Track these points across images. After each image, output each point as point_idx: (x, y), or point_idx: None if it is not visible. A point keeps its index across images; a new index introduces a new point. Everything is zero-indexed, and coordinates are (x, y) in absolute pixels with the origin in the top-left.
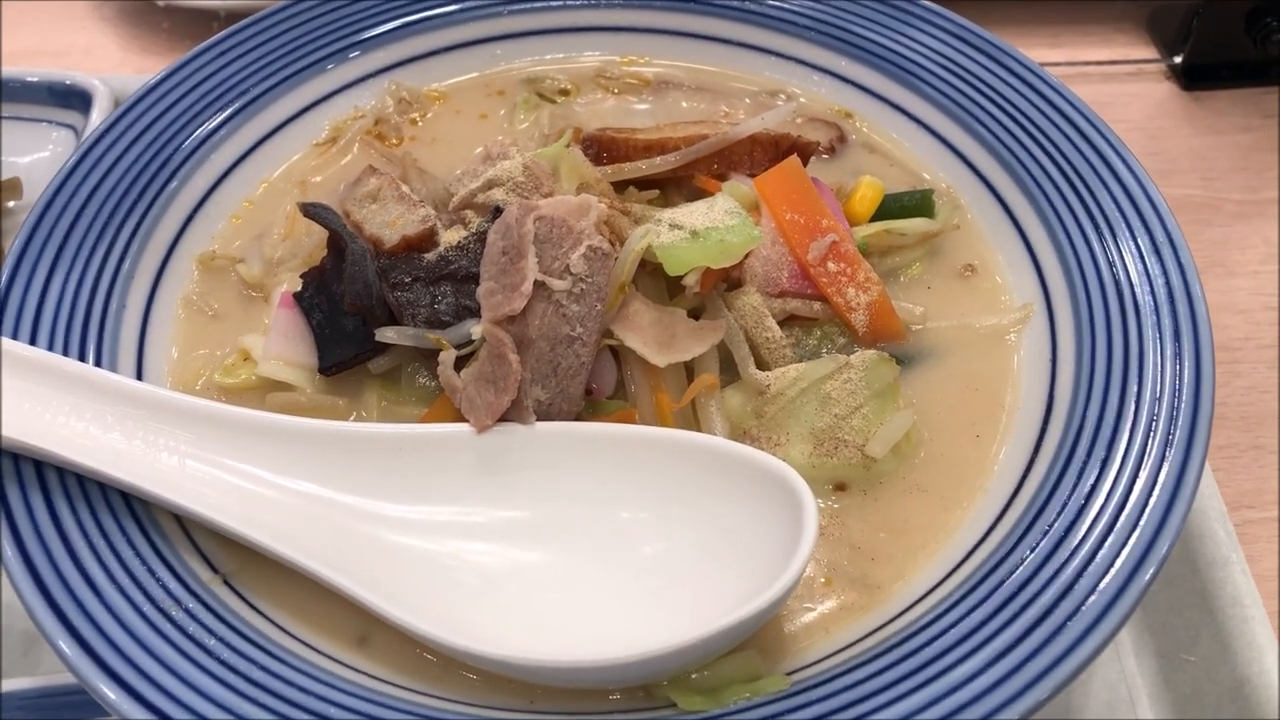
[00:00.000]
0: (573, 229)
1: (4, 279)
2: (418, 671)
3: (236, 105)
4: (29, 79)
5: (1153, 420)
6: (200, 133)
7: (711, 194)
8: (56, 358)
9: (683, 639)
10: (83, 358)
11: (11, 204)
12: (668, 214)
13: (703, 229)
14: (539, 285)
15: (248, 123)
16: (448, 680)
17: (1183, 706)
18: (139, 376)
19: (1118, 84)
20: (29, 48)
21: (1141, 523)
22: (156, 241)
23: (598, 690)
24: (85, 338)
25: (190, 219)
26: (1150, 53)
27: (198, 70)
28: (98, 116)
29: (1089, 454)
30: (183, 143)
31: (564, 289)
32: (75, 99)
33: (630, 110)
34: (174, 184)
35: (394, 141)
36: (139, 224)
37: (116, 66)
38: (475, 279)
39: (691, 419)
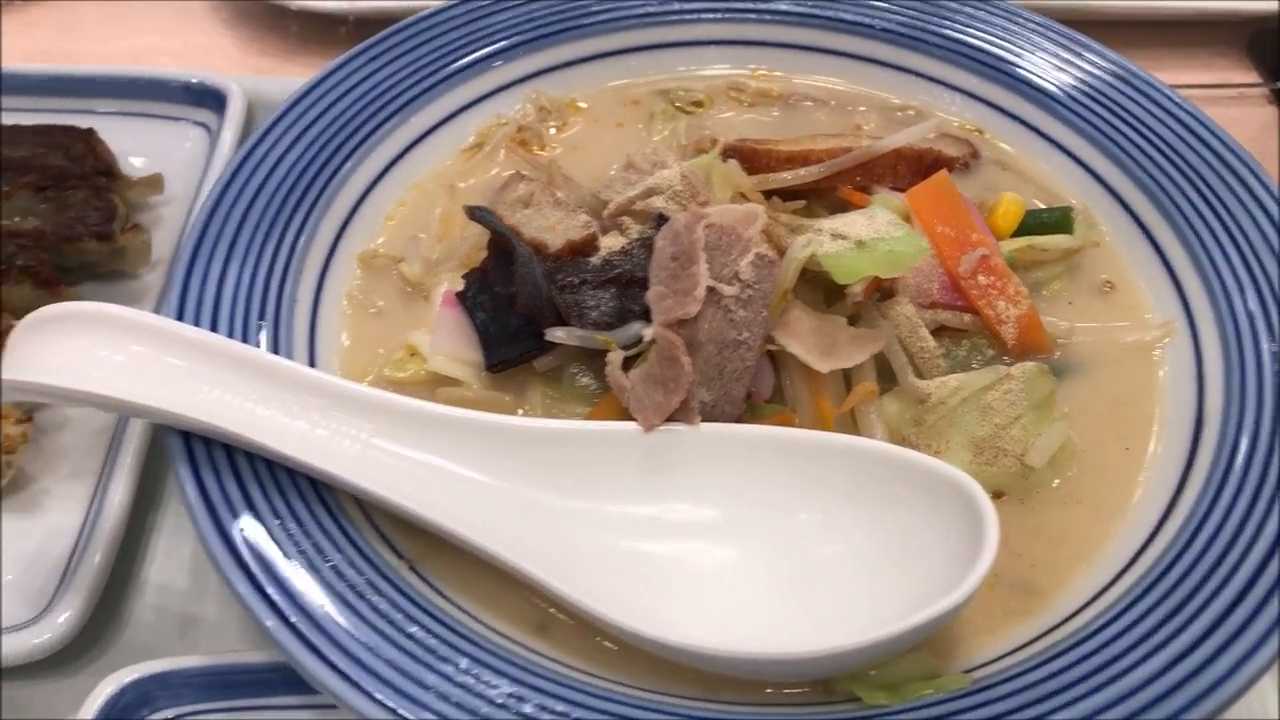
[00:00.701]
0: (741, 236)
1: (182, 268)
2: (597, 659)
3: (389, 110)
4: (165, 78)
5: None
6: (357, 136)
7: (855, 206)
8: (243, 346)
9: (873, 636)
10: (259, 347)
11: (152, 199)
12: (826, 223)
13: (869, 239)
14: (709, 290)
15: (399, 127)
16: (627, 667)
17: None
18: (312, 368)
19: (1219, 108)
20: (150, 46)
21: None
22: (320, 239)
23: (780, 683)
24: (261, 329)
25: (349, 218)
26: (1251, 76)
27: (350, 75)
28: (233, 116)
29: (1247, 467)
30: (341, 144)
31: (733, 294)
32: (209, 98)
33: (761, 123)
34: (334, 184)
35: (536, 148)
36: (304, 221)
37: (236, 67)
38: (638, 283)
39: (849, 425)
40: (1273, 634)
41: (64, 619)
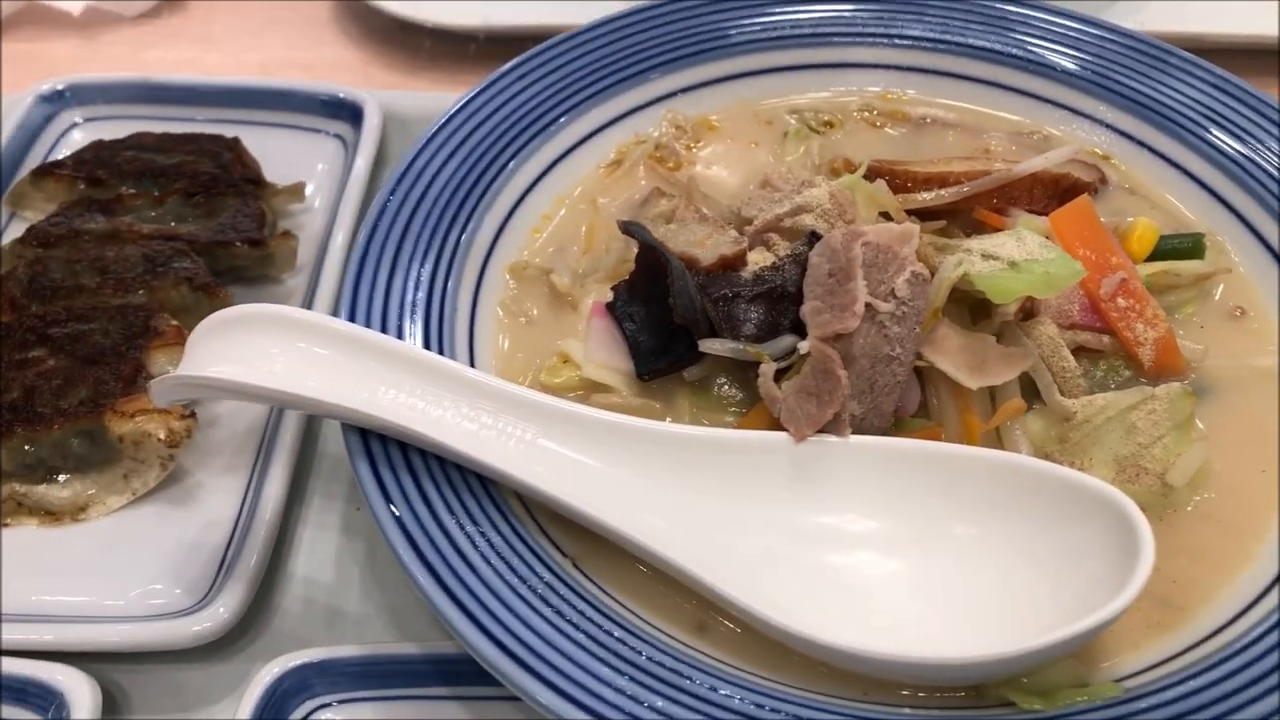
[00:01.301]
0: (897, 254)
1: (351, 274)
2: (754, 659)
3: (536, 127)
4: (304, 91)
5: None
6: (508, 152)
7: (994, 228)
8: (417, 349)
9: (1032, 644)
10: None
11: (294, 208)
12: (975, 244)
13: (1022, 261)
14: (866, 306)
15: (546, 144)
16: (785, 668)
17: None
18: None
19: None
20: (279, 59)
21: None
22: (475, 251)
23: (935, 687)
24: (428, 335)
25: (501, 230)
26: None
27: (500, 93)
28: (369, 130)
29: None
30: (494, 160)
31: (888, 311)
32: (345, 111)
33: (891, 143)
34: (488, 198)
35: (672, 166)
36: (461, 233)
37: (363, 81)
38: (790, 298)
39: (994, 441)
40: None
41: (225, 608)
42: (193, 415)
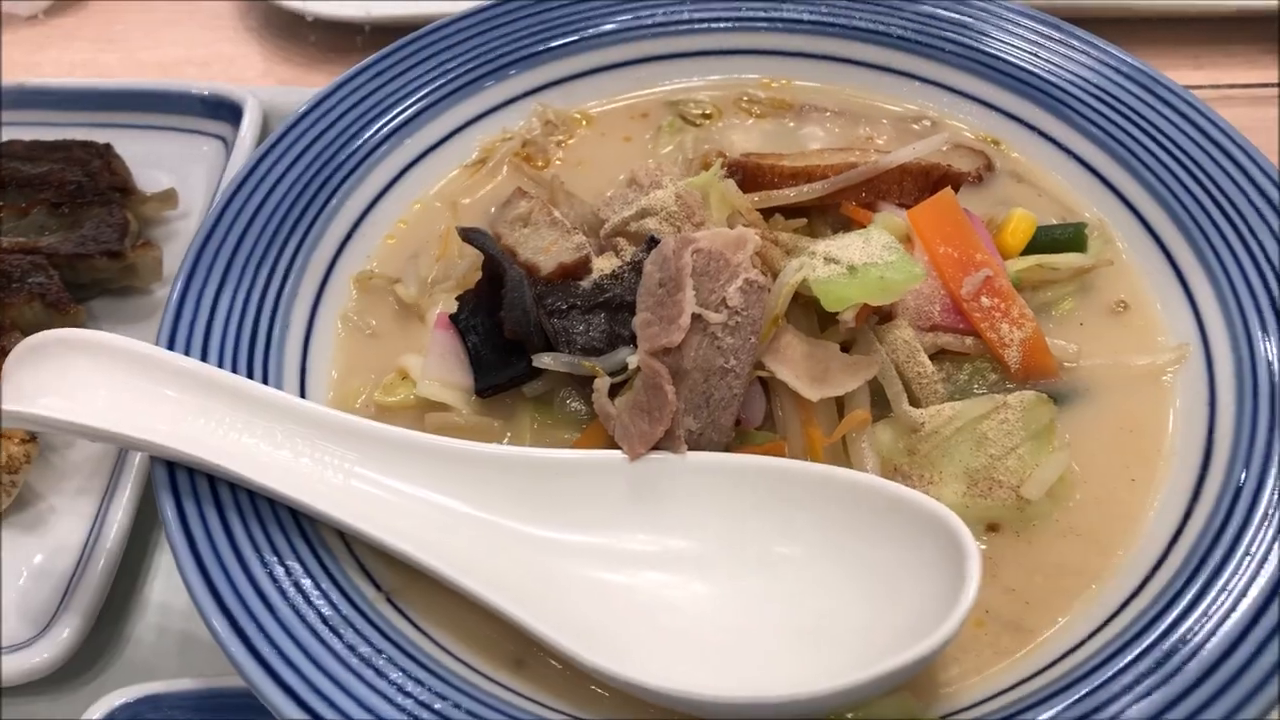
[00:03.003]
0: (730, 262)
1: (176, 296)
2: (572, 696)
3: (392, 126)
4: (183, 91)
5: None
6: (358, 154)
7: (860, 223)
8: (229, 375)
9: (849, 680)
10: (250, 375)
11: (168, 214)
12: (821, 246)
13: (860, 264)
14: (695, 318)
15: (402, 144)
16: (603, 706)
17: None
18: (302, 393)
19: (1263, 108)
20: (177, 58)
21: None
22: (317, 260)
23: None
24: (253, 355)
25: (348, 238)
26: None
27: (354, 91)
28: (248, 129)
29: (1253, 501)
30: (341, 163)
31: (720, 321)
32: (225, 111)
33: (772, 134)
34: (333, 203)
35: (541, 164)
36: (301, 243)
37: (260, 77)
38: (629, 308)
39: (841, 454)
40: (1272, 679)
41: (63, 637)
42: (34, 439)
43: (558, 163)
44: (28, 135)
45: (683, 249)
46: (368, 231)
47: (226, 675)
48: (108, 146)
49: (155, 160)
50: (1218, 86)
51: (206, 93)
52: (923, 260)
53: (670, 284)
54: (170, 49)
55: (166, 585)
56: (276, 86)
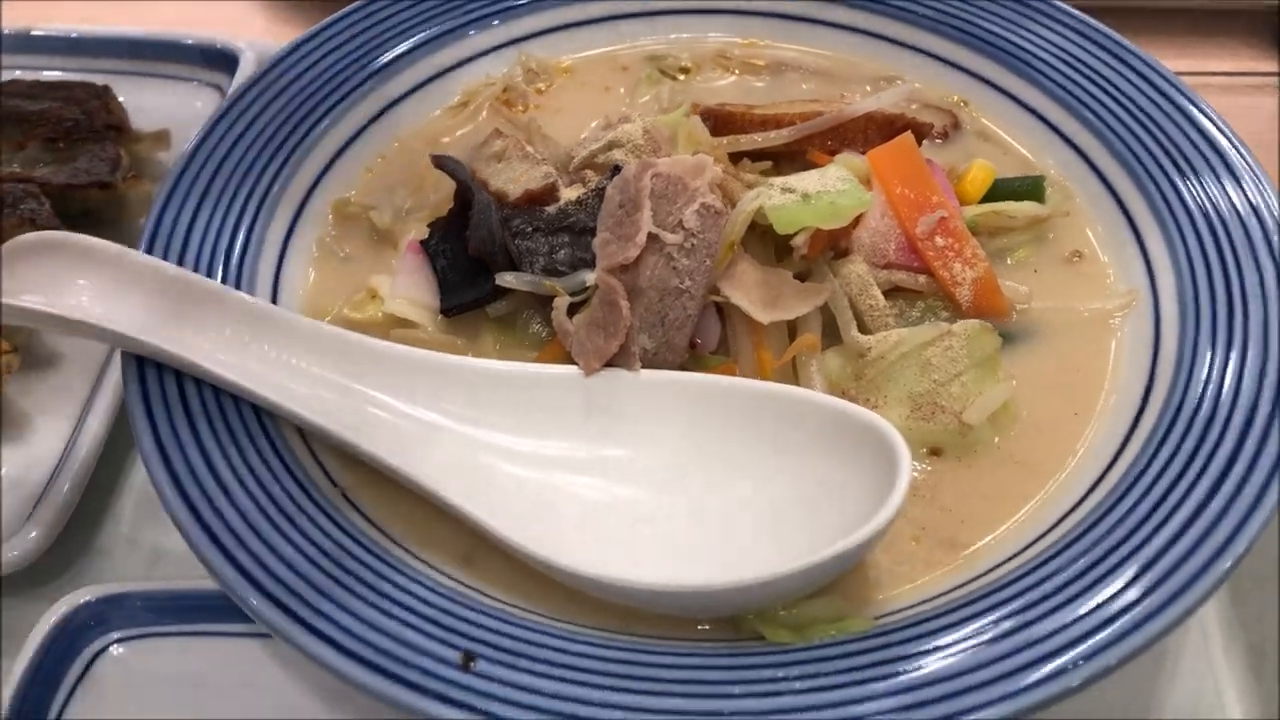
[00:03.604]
0: (688, 186)
1: (155, 210)
2: (519, 590)
3: (375, 65)
4: (180, 40)
5: (1254, 405)
6: (341, 90)
7: None
8: (200, 278)
9: (771, 571)
10: (224, 283)
11: (160, 155)
12: (780, 180)
13: (814, 193)
14: (652, 238)
15: (386, 83)
16: (547, 600)
17: (1272, 705)
18: (274, 304)
19: (1242, 96)
20: (178, 15)
21: (1241, 497)
22: (295, 187)
23: (688, 619)
24: (228, 267)
25: (327, 169)
26: (1275, 66)
27: (341, 32)
28: (242, 77)
29: (1187, 428)
30: (324, 97)
31: (676, 242)
32: (222, 60)
33: (748, 90)
34: (314, 135)
35: (521, 109)
36: (279, 170)
37: (260, 35)
38: (593, 232)
39: (791, 377)
40: (1178, 599)
41: (31, 538)
42: (15, 350)
43: (536, 109)
44: (31, 78)
45: (643, 172)
46: (347, 164)
47: (187, 579)
48: (106, 88)
49: (153, 105)
50: (1198, 74)
51: (204, 42)
52: (879, 200)
53: (629, 205)
54: (174, 8)
55: (140, 500)
56: (272, 41)
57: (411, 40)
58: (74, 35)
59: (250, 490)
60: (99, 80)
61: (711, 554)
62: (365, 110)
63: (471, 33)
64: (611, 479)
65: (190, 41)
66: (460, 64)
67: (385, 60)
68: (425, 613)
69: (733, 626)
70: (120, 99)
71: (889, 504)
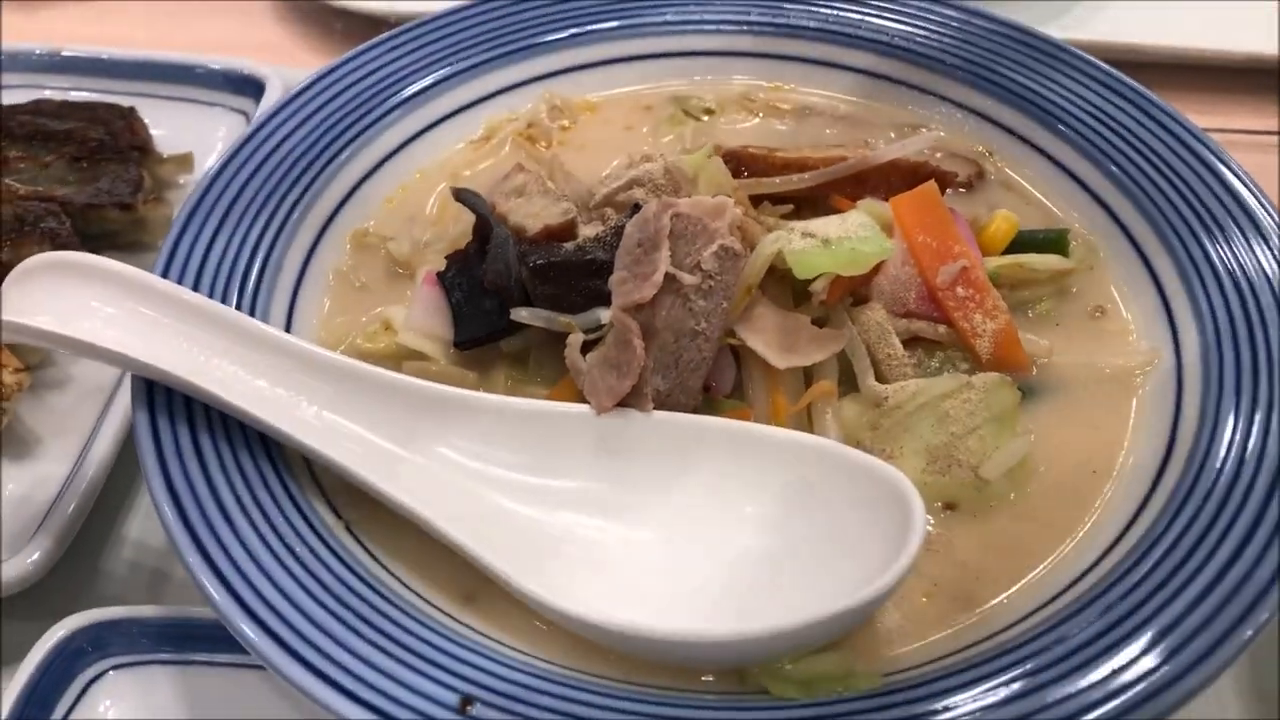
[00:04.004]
0: (707, 227)
1: (173, 234)
2: (521, 633)
3: (400, 97)
4: (209, 65)
5: (1277, 470)
6: (365, 120)
7: None
8: (215, 304)
9: (778, 623)
10: (238, 309)
11: (183, 179)
12: (800, 224)
13: (835, 238)
14: (669, 278)
15: (409, 115)
16: (550, 644)
17: (1273, 705)
18: (287, 332)
19: (1269, 153)
20: (211, 40)
21: (1264, 563)
22: (314, 216)
23: (692, 670)
24: (242, 292)
25: (348, 198)
26: None
27: (368, 62)
28: (269, 104)
29: (1206, 497)
30: (348, 127)
31: (693, 284)
32: (249, 86)
33: (771, 133)
34: (336, 164)
35: (544, 145)
36: (300, 197)
37: (289, 62)
38: (610, 270)
39: (806, 425)
40: (1196, 668)
41: (33, 558)
42: (27, 369)
43: (560, 145)
44: (60, 98)
45: (662, 212)
46: (368, 193)
47: (187, 606)
48: (131, 109)
49: (179, 128)
50: (1224, 130)
51: (230, 68)
52: (901, 248)
53: (648, 244)
54: (204, 33)
55: (145, 524)
56: (300, 69)
57: (436, 74)
58: (104, 57)
59: (253, 519)
60: (126, 102)
61: (718, 603)
62: (388, 141)
63: (495, 68)
64: (618, 522)
65: (217, 67)
66: (484, 99)
67: (409, 93)
68: (424, 652)
69: (738, 679)
70: (146, 121)
71: (899, 561)
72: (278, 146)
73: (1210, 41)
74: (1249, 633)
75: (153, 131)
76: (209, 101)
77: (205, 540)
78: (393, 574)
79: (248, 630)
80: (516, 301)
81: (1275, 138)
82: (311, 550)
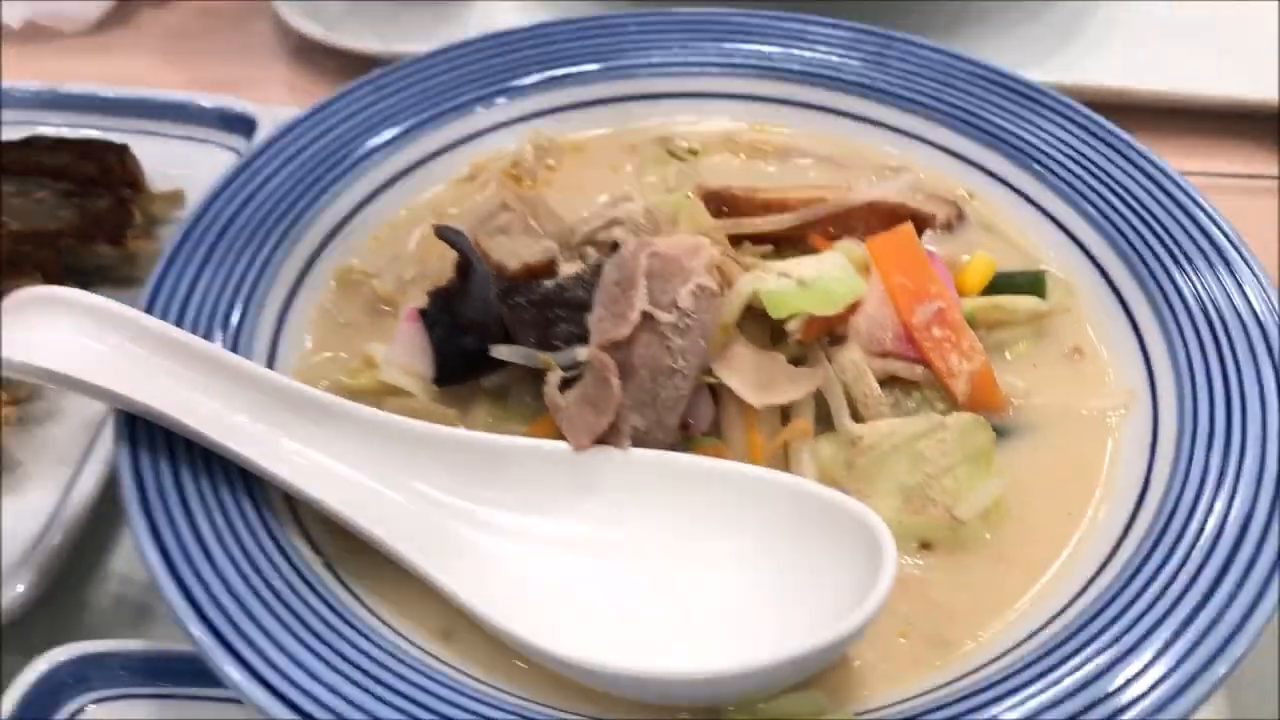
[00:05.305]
0: (684, 266)
1: (158, 270)
2: (498, 669)
3: (387, 136)
4: (201, 103)
5: (1249, 515)
6: (350, 158)
7: None
8: (198, 340)
9: (749, 662)
10: (222, 345)
11: (175, 215)
12: (778, 264)
13: (810, 279)
14: (647, 316)
15: (395, 154)
16: (526, 681)
17: (1273, 705)
18: (270, 368)
19: (1246, 197)
20: (206, 78)
21: (1236, 603)
22: (298, 253)
23: (667, 707)
24: (226, 328)
25: (332, 235)
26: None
27: (356, 101)
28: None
29: (1179, 538)
30: (333, 165)
31: (670, 322)
32: (241, 124)
33: (754, 173)
34: (321, 201)
35: (529, 184)
36: (284, 235)
37: (283, 99)
38: (589, 308)
39: (782, 463)
40: (1166, 709)
41: (15, 593)
42: (15, 402)
43: (545, 184)
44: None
45: (639, 251)
46: (353, 230)
47: (170, 641)
48: (124, 146)
49: (170, 166)
50: (1206, 174)
51: (223, 106)
52: (877, 288)
53: (624, 282)
54: (199, 71)
55: (130, 557)
56: (295, 107)
57: (423, 114)
58: (99, 95)
59: (231, 554)
60: (121, 138)
61: (692, 641)
62: (374, 179)
63: (480, 109)
64: (594, 558)
65: (209, 105)
66: (469, 138)
67: (396, 132)
68: (400, 688)
69: (712, 717)
70: (140, 157)
71: (871, 599)
72: (264, 184)
73: (1202, 86)
74: (1222, 670)
75: (147, 167)
76: (202, 139)
77: (184, 574)
78: (370, 609)
79: (225, 664)
80: (496, 339)
81: (1272, 182)
82: (289, 584)
